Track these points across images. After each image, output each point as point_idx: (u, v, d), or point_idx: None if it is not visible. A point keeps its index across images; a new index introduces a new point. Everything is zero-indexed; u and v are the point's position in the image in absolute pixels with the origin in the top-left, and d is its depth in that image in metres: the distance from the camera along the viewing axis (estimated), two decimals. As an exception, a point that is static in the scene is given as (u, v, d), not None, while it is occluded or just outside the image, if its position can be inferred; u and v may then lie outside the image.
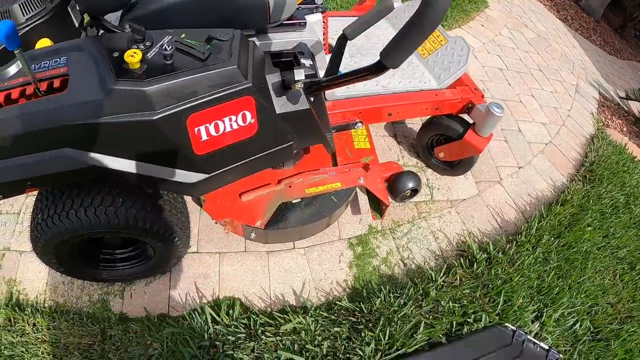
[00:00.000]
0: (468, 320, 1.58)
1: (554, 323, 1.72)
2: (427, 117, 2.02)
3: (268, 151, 1.16)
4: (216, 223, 1.67)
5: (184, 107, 0.93)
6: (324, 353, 1.37)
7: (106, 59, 0.96)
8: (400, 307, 1.53)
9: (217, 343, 1.37)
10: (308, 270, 1.67)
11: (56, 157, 0.95)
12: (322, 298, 1.61)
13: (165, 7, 1.08)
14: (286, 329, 1.42)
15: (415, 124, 2.41)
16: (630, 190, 2.55)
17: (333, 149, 1.38)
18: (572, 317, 1.78)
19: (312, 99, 1.17)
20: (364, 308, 1.52)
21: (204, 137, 1.00)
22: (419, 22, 0.78)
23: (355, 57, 1.82)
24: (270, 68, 1.10)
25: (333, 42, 1.79)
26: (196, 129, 0.98)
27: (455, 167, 2.05)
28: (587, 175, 2.53)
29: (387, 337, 1.43)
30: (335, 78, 1.05)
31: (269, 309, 1.54)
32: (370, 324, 1.48)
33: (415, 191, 1.78)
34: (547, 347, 1.57)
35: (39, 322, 1.39)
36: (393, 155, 2.22)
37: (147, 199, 1.21)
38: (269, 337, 1.39)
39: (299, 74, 0.99)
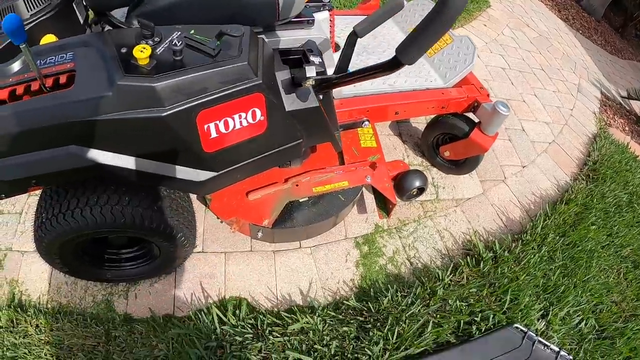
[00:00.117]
0: (475, 319, 1.57)
1: (560, 322, 1.72)
2: (432, 116, 2.01)
3: (277, 149, 1.15)
4: (222, 222, 1.66)
5: (194, 103, 0.92)
6: (332, 353, 1.36)
7: (114, 55, 0.95)
8: (408, 306, 1.52)
9: (224, 344, 1.35)
10: (315, 269, 1.66)
11: (61, 154, 0.94)
12: (329, 297, 1.60)
13: (172, 3, 1.07)
14: (294, 329, 1.40)
15: (420, 123, 2.41)
16: (633, 189, 2.55)
17: (341, 147, 1.37)
18: (577, 316, 1.77)
19: (321, 96, 1.16)
20: (371, 307, 1.51)
21: (214, 134, 0.99)
22: (437, 19, 0.77)
23: (362, 55, 1.81)
24: (279, 65, 1.09)
25: (338, 41, 1.80)
26: (206, 126, 0.97)
27: (461, 166, 2.04)
28: (591, 174, 2.53)
29: (395, 337, 1.42)
30: (348, 75, 1.04)
31: (276, 309, 1.53)
32: (379, 323, 1.46)
33: (421, 190, 1.77)
34: (558, 349, 1.55)
35: (41, 323, 1.37)
36: (398, 154, 2.22)
37: (154, 198, 1.19)
38: (277, 337, 1.38)
39: (311, 71, 0.98)
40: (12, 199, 1.68)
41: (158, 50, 0.96)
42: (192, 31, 1.01)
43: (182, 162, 1.04)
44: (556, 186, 2.39)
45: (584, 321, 1.77)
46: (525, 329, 1.57)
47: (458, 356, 1.46)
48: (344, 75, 1.05)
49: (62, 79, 0.92)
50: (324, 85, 1.09)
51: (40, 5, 1.17)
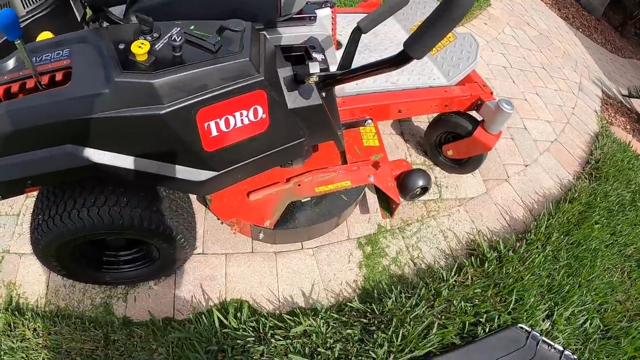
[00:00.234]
0: (480, 320, 1.55)
1: (565, 322, 1.71)
2: (435, 114, 1.99)
3: (279, 148, 1.13)
4: (222, 223, 1.63)
5: (194, 100, 0.90)
6: (336, 356, 1.34)
7: (112, 51, 0.92)
8: (412, 308, 1.49)
9: (225, 347, 1.32)
10: (317, 271, 1.63)
11: (58, 154, 0.91)
12: (332, 299, 1.57)
13: (172, -1, 1.05)
14: (296, 332, 1.38)
15: (422, 121, 2.39)
16: (636, 187, 2.55)
17: (343, 146, 1.35)
18: (582, 316, 1.76)
19: (323, 94, 1.13)
20: (375, 309, 1.48)
21: (214, 132, 0.96)
22: (447, 11, 0.75)
23: (363, 53, 1.78)
24: (281, 62, 1.07)
25: (340, 38, 1.77)
26: (206, 124, 0.94)
27: (464, 165, 2.01)
28: (593, 173, 2.52)
29: (399, 339, 1.39)
30: (353, 71, 1.01)
31: (277, 311, 1.50)
32: (383, 325, 1.44)
33: (425, 189, 1.74)
34: (562, 349, 1.54)
35: (39, 326, 1.35)
36: (401, 153, 2.19)
37: (153, 199, 1.16)
38: (279, 340, 1.35)
39: (314, 67, 0.95)
40: (9, 200, 1.65)
41: (157, 46, 0.94)
42: (192, 27, 0.99)
43: (181, 162, 1.01)
44: (559, 185, 2.38)
45: (589, 321, 1.76)
46: (529, 329, 1.56)
47: (463, 357, 1.44)
48: (349, 72, 1.03)
49: (58, 76, 0.90)
50: (328, 82, 1.07)
51: (36, 2, 1.15)
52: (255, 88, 0.94)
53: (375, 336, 1.40)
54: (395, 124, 2.35)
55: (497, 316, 1.57)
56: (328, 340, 1.37)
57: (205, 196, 1.49)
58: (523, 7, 4.33)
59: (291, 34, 1.19)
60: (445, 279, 1.64)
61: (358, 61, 1.73)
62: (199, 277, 1.55)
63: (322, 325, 1.40)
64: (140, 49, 0.88)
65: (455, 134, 1.90)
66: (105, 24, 1.16)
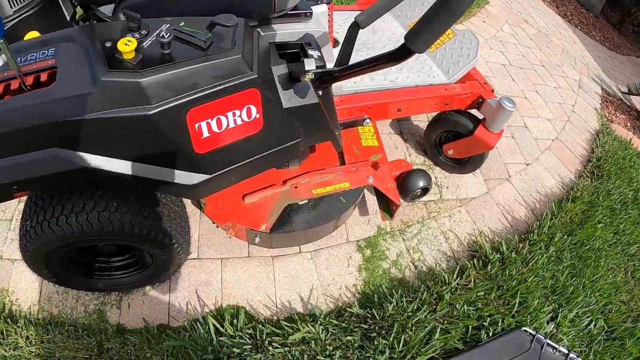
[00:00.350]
0: (484, 323, 1.52)
1: (569, 323, 1.69)
2: (434, 113, 1.95)
3: (274, 149, 1.09)
4: (218, 227, 1.59)
5: (184, 100, 0.86)
6: (336, 364, 1.29)
7: (98, 49, 0.89)
8: (414, 312, 1.45)
9: (222, 355, 1.29)
10: (315, 275, 1.59)
11: (44, 158, 0.88)
12: (331, 304, 1.53)
13: (162, -5, 1.01)
14: (295, 339, 1.33)
15: (421, 120, 2.35)
16: (638, 185, 2.53)
17: (341, 146, 1.31)
18: (586, 317, 1.74)
19: (320, 92, 1.09)
20: (376, 314, 1.44)
21: (206, 133, 0.92)
22: (449, 2, 0.70)
23: (361, 51, 1.74)
24: (276, 59, 1.02)
25: (337, 36, 1.73)
26: (197, 125, 0.90)
27: (465, 164, 1.97)
28: (595, 171, 2.50)
29: (401, 345, 1.35)
30: (350, 67, 0.97)
31: (275, 318, 1.46)
32: (384, 331, 1.40)
33: (426, 190, 1.70)
34: (567, 351, 1.51)
35: (32, 334, 1.31)
36: (400, 153, 2.15)
37: (144, 203, 1.12)
38: (277, 347, 1.31)
39: (310, 64, 0.91)
40: (1, 205, 1.61)
41: (145, 43, 0.90)
42: (182, 23, 0.95)
43: (172, 164, 0.97)
44: (561, 184, 2.35)
45: (593, 322, 1.74)
46: (533, 332, 1.53)
47: (467, 363, 1.40)
48: (346, 68, 0.98)
49: (43, 77, 0.86)
50: (324, 79, 1.02)
51: (24, 1, 1.11)
52: (248, 86, 0.90)
53: (376, 342, 1.35)
54: (395, 123, 2.31)
55: (500, 320, 1.53)
56: (327, 347, 1.33)
57: (200, 199, 1.44)
58: (521, 4, 4.31)
59: (286, 31, 1.15)
60: (447, 282, 1.60)
61: (355, 59, 1.70)
62: (194, 283, 1.51)
63: (321, 331, 1.35)
64: (126, 46, 0.84)
65: (456, 133, 1.86)
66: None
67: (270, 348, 1.31)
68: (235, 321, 1.40)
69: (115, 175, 0.96)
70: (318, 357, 1.30)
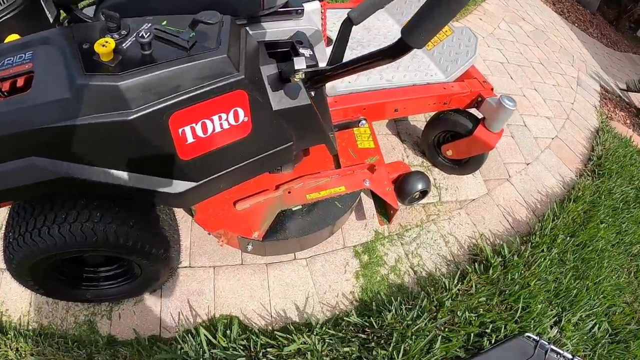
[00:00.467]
0: (486, 330, 1.48)
1: (573, 327, 1.65)
2: (432, 113, 1.90)
3: (264, 154, 1.03)
4: (210, 234, 1.54)
5: (165, 104, 0.80)
6: (333, 376, 1.24)
7: (75, 52, 0.84)
8: (413, 321, 1.40)
9: (214, 369, 1.23)
10: (311, 282, 1.54)
11: (22, 167, 0.84)
12: (328, 313, 1.48)
13: (145, -7, 0.95)
14: (290, 351, 1.28)
15: (419, 120, 2.30)
16: (639, 183, 2.48)
17: (336, 149, 1.25)
18: (590, 320, 1.71)
19: (312, 93, 1.03)
20: (374, 323, 1.39)
21: (190, 139, 0.87)
22: None
23: (356, 49, 1.69)
24: (265, 59, 0.97)
25: (330, 34, 1.68)
26: (180, 130, 0.84)
27: (464, 165, 1.92)
28: (596, 170, 2.47)
29: (401, 355, 1.30)
30: (343, 65, 0.91)
31: (270, 328, 1.41)
32: (382, 341, 1.35)
33: (424, 193, 1.65)
34: (571, 356, 1.49)
35: (22, 346, 1.27)
36: (397, 154, 2.10)
37: (129, 213, 1.07)
38: (272, 360, 1.26)
39: (300, 63, 0.85)
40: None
41: (124, 44, 0.85)
42: (165, 22, 0.89)
43: (155, 172, 0.91)
44: (562, 183, 2.31)
45: (597, 325, 1.71)
46: (537, 338, 1.49)
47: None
48: (339, 66, 0.92)
49: (20, 82, 0.82)
50: (316, 79, 0.97)
51: (4, 3, 1.06)
52: (234, 88, 0.84)
53: (374, 353, 1.30)
54: (391, 123, 2.26)
55: (503, 326, 1.49)
56: (324, 358, 1.28)
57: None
58: (517, 2, 4.28)
59: (277, 29, 1.09)
60: (447, 287, 1.55)
61: (350, 58, 1.65)
62: (186, 292, 1.46)
63: (317, 342, 1.30)
64: (104, 47, 0.79)
65: (455, 133, 1.81)
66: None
67: (264, 360, 1.25)
68: (228, 332, 1.35)
69: (96, 184, 0.91)
70: (314, 370, 1.25)
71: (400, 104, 1.55)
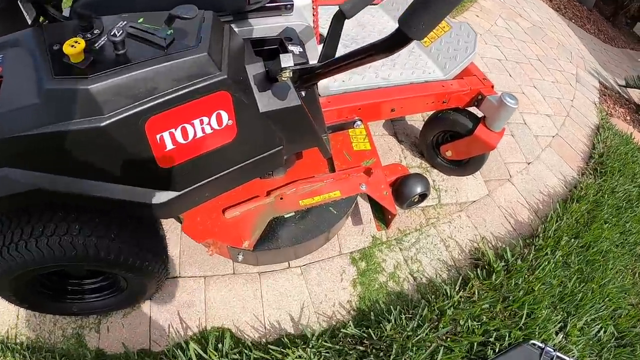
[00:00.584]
0: (489, 339, 1.42)
1: (578, 332, 1.60)
2: (430, 112, 1.84)
3: (252, 159, 0.97)
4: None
5: (141, 108, 0.74)
6: (330, 392, 1.18)
7: (45, 54, 0.78)
8: (414, 331, 1.34)
9: (204, 387, 1.16)
10: (306, 292, 1.47)
11: None
12: (324, 324, 1.41)
13: (123, -11, 0.89)
14: (284, 366, 1.21)
15: (416, 120, 2.24)
16: (642, 181, 2.45)
17: (330, 152, 1.18)
18: (596, 325, 1.66)
19: (303, 93, 0.97)
20: (372, 334, 1.32)
21: (170, 145, 0.80)
22: None
23: (350, 47, 1.62)
24: (251, 57, 0.90)
25: (323, 32, 1.61)
26: (158, 136, 0.78)
27: (464, 166, 1.86)
28: (598, 168, 2.42)
29: (401, 368, 1.24)
30: (334, 62, 0.84)
31: (263, 340, 1.34)
32: (382, 353, 1.28)
33: (424, 196, 1.58)
34: (577, 363, 1.42)
35: (9, 361, 1.22)
36: (394, 156, 2.04)
37: (110, 225, 1.00)
38: (265, 376, 1.19)
39: (286, 60, 0.79)
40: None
41: (97, 44, 0.78)
42: (141, 19, 0.82)
43: (134, 182, 0.85)
44: (564, 182, 2.26)
45: (603, 329, 1.66)
46: (542, 345, 1.44)
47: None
48: (330, 63, 0.86)
49: None
50: (306, 78, 0.90)
51: (-23, 4, 0.99)
52: (216, 89, 0.78)
53: (374, 366, 1.24)
54: (388, 123, 2.20)
55: (507, 334, 1.44)
56: (320, 373, 1.21)
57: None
58: (514, -2, 4.23)
59: (265, 25, 1.02)
60: (449, 295, 1.48)
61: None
62: (175, 304, 1.40)
63: (312, 356, 1.24)
64: (72, 48, 0.73)
65: (454, 132, 1.75)
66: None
67: (257, 377, 1.19)
68: (220, 345, 1.29)
69: (72, 196, 0.86)
70: (310, 386, 1.18)
71: (397, 103, 1.49)
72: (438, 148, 1.91)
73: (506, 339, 1.42)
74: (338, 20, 0.94)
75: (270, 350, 1.27)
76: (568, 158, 2.44)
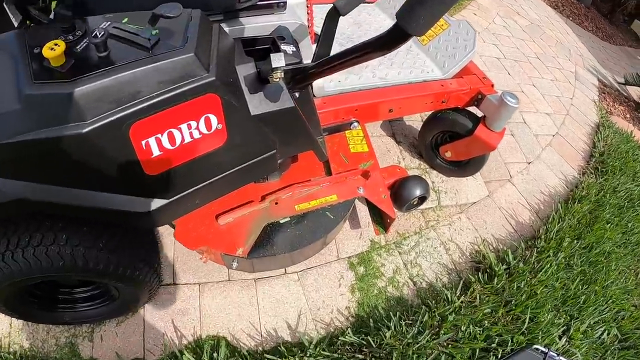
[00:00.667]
0: (492, 345, 1.39)
1: (582, 335, 1.58)
2: (429, 112, 1.80)
3: (244, 164, 0.93)
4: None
5: (124, 113, 0.70)
6: (328, 403, 1.14)
7: (25, 57, 0.75)
8: (414, 338, 1.31)
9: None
10: (303, 298, 1.44)
11: None
12: (322, 331, 1.38)
13: (108, -11, 0.85)
14: (281, 376, 1.18)
15: (415, 120, 2.21)
16: (643, 180, 2.42)
17: (326, 155, 1.15)
18: (599, 327, 1.64)
19: (297, 94, 0.93)
20: (372, 342, 1.29)
21: (156, 151, 0.76)
22: None
23: (346, 46, 1.58)
24: (242, 57, 0.87)
25: (318, 31, 1.57)
26: (143, 142, 0.74)
27: (464, 167, 1.83)
28: (599, 167, 2.40)
29: (402, 377, 1.20)
30: (329, 61, 0.80)
31: (260, 349, 1.31)
32: (381, 362, 1.25)
33: (423, 199, 1.55)
34: (582, 368, 1.39)
35: (1, 372, 1.19)
36: (393, 157, 2.00)
37: (99, 234, 0.97)
38: (261, 387, 1.15)
39: (278, 60, 0.75)
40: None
41: (78, 46, 0.74)
42: (125, 19, 0.79)
43: (119, 190, 0.81)
44: (564, 182, 2.24)
45: (606, 332, 1.64)
46: (545, 350, 1.39)
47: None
48: (324, 62, 0.82)
49: None
50: (299, 78, 0.87)
51: (-39, 7, 0.96)
52: (204, 92, 0.74)
53: (373, 376, 1.21)
54: (386, 124, 2.16)
55: (510, 339, 1.41)
56: (318, 383, 1.18)
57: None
58: (512, -4, 4.20)
59: (256, 24, 0.99)
60: (450, 300, 1.45)
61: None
62: (170, 312, 1.37)
63: (310, 365, 1.20)
64: (52, 51, 0.69)
65: (454, 133, 1.72)
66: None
67: (253, 388, 1.15)
68: (215, 354, 1.26)
69: (56, 205, 0.83)
70: (308, 397, 1.15)
71: (395, 103, 1.46)
72: (437, 149, 1.88)
73: (509, 344, 1.39)
74: (332, 18, 0.90)
75: (267, 359, 1.23)
76: (568, 157, 2.41)
